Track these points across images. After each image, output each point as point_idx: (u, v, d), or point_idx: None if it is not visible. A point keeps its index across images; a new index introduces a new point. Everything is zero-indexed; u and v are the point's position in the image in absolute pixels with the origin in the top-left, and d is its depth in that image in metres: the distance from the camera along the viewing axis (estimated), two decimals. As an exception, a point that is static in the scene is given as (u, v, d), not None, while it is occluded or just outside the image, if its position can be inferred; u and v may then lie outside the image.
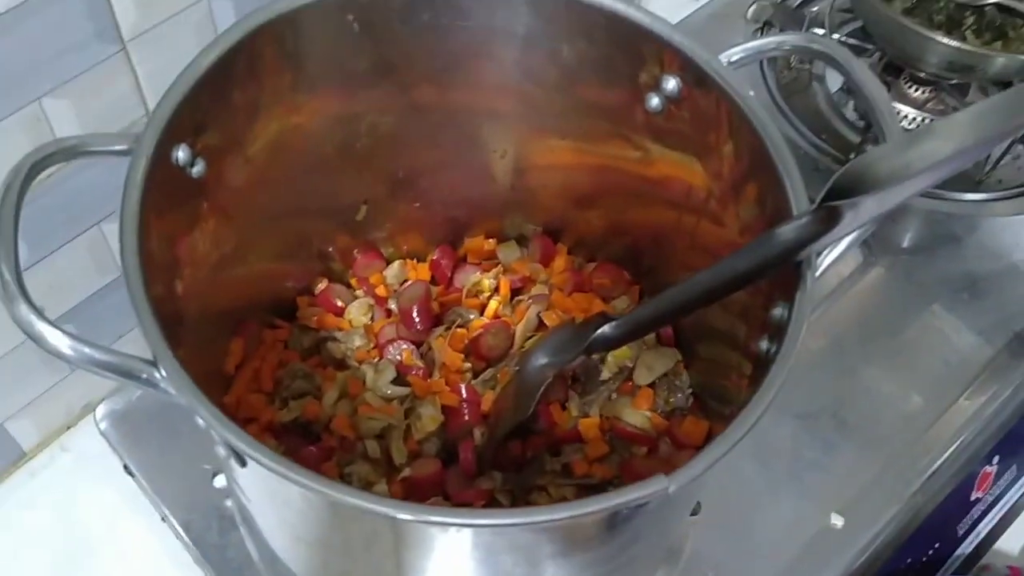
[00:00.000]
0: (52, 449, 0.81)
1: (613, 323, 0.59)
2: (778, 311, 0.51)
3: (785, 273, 0.51)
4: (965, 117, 0.43)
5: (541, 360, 0.63)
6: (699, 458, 0.44)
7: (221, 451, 0.47)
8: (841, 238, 0.49)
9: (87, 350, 0.44)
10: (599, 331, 0.59)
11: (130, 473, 0.75)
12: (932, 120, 0.92)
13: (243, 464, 0.46)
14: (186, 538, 0.72)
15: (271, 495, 0.51)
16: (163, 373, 0.45)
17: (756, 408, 0.45)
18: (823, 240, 0.48)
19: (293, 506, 0.49)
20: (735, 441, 0.44)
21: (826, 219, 0.47)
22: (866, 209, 0.46)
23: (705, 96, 0.57)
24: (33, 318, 0.44)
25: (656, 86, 0.59)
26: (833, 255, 0.52)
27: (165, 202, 0.52)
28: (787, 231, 0.49)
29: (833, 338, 0.84)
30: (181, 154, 0.53)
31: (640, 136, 0.64)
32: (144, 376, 0.45)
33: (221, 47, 0.53)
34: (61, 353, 0.44)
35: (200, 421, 0.45)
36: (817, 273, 0.50)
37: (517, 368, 0.66)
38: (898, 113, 0.93)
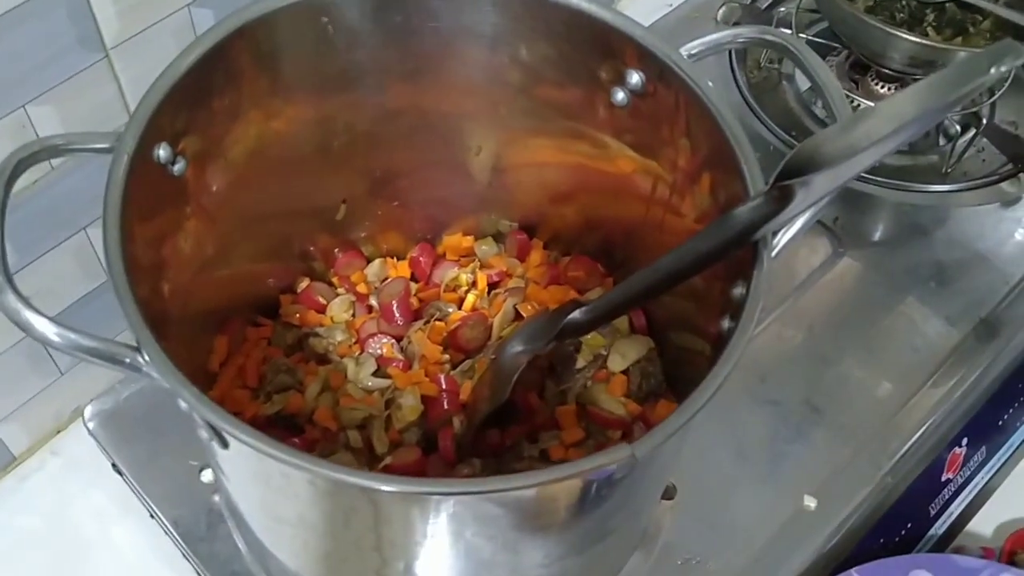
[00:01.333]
0: (42, 454, 0.82)
1: (583, 308, 0.61)
2: (738, 290, 0.53)
3: (744, 256, 0.53)
4: (903, 96, 0.46)
5: (516, 348, 0.65)
6: (661, 426, 0.45)
7: (203, 434, 0.49)
8: (795, 216, 0.52)
9: (73, 336, 0.46)
10: (570, 317, 0.61)
11: (119, 472, 0.76)
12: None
13: (225, 445, 0.48)
14: (175, 533, 0.73)
15: (253, 477, 0.53)
16: (146, 358, 0.46)
17: (716, 378, 0.47)
18: (778, 219, 0.50)
19: (274, 485, 0.51)
20: (695, 410, 0.46)
21: (779, 198, 0.49)
22: (817, 186, 0.48)
23: (667, 89, 0.59)
24: (20, 306, 0.45)
25: (621, 81, 0.62)
26: (789, 235, 0.54)
27: (147, 200, 0.54)
28: (743, 212, 0.51)
29: (805, 328, 0.86)
30: (162, 152, 0.54)
31: (606, 133, 0.66)
32: (128, 361, 0.46)
33: (200, 49, 0.55)
34: (48, 340, 0.46)
35: (182, 404, 0.47)
36: (773, 253, 0.52)
37: (493, 356, 0.68)
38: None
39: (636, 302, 0.61)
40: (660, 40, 0.58)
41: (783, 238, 0.54)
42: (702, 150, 0.59)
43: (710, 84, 0.56)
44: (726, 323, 0.54)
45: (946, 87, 0.44)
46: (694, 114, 0.57)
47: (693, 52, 0.58)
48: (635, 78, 0.61)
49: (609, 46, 0.60)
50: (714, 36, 0.58)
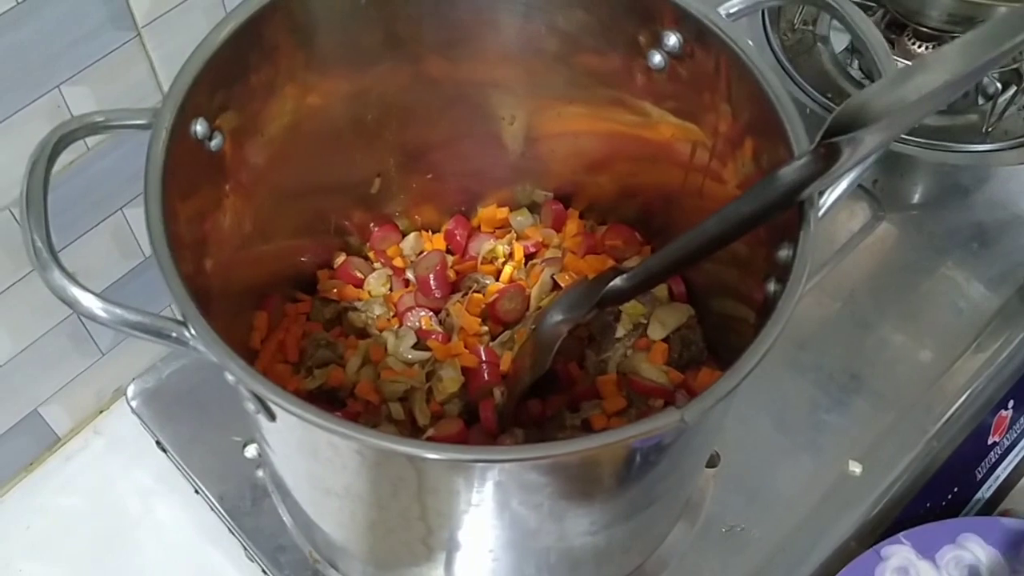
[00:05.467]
0: (86, 433, 0.83)
1: (624, 275, 0.60)
2: (783, 252, 0.52)
3: (789, 218, 0.52)
4: (953, 48, 0.45)
5: (556, 317, 0.64)
6: (712, 390, 0.45)
7: (250, 407, 0.49)
8: (842, 175, 0.51)
9: (119, 311, 0.46)
10: (611, 284, 0.60)
11: (163, 449, 0.77)
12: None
13: (272, 418, 0.48)
14: (220, 509, 0.73)
15: (300, 448, 0.53)
16: (192, 331, 0.46)
17: (766, 339, 0.46)
18: (824, 178, 0.49)
19: (321, 457, 0.51)
20: (746, 372, 0.45)
21: (826, 156, 0.48)
22: (864, 143, 0.47)
23: (706, 50, 0.58)
24: (67, 283, 0.46)
25: (657, 43, 0.60)
26: (835, 194, 0.53)
27: (186, 177, 0.53)
28: (789, 171, 0.50)
29: (845, 293, 0.85)
30: (199, 128, 0.54)
31: (643, 99, 0.65)
32: (174, 335, 0.47)
33: (233, 23, 0.55)
34: (95, 315, 0.46)
35: (229, 377, 0.47)
36: (820, 212, 0.51)
37: (534, 327, 0.67)
38: (902, 69, 0.94)
39: (679, 267, 0.60)
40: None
41: (829, 198, 0.53)
42: (744, 113, 0.58)
43: (751, 43, 0.55)
44: (772, 286, 0.54)
45: (997, 37, 0.43)
46: (735, 76, 0.56)
47: (732, 11, 0.57)
48: (672, 40, 0.60)
49: (645, 8, 0.59)
50: (754, -7, 0.57)
